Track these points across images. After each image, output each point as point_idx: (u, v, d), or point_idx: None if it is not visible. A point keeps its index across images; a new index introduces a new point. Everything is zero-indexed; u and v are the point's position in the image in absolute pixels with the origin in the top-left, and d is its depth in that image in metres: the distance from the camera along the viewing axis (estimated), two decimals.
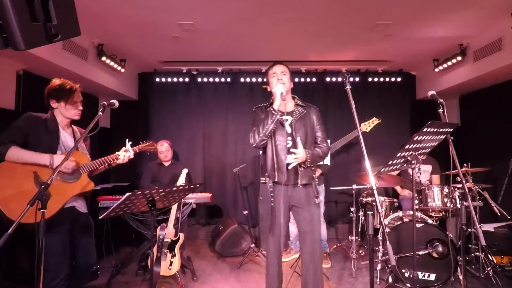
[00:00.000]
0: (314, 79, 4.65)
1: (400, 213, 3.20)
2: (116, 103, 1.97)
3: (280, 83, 2.08)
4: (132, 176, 4.48)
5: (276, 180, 2.05)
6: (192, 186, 1.92)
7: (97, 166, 1.98)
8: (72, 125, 2.07)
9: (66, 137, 1.96)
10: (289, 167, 1.98)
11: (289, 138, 2.08)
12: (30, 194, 1.41)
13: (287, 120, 2.09)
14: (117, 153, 2.09)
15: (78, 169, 1.90)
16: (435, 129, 1.70)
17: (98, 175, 2.17)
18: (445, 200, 3.01)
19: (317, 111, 2.23)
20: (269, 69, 2.21)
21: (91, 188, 1.97)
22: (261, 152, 2.29)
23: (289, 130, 2.09)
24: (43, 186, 1.41)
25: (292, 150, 1.97)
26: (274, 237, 2.09)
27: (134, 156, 2.16)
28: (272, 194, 2.05)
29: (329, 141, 3.05)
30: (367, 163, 1.47)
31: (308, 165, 2.04)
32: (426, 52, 3.96)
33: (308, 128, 2.12)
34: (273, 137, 2.07)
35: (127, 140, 2.19)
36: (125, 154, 2.10)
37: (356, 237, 3.59)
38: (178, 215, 2.96)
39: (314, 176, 2.13)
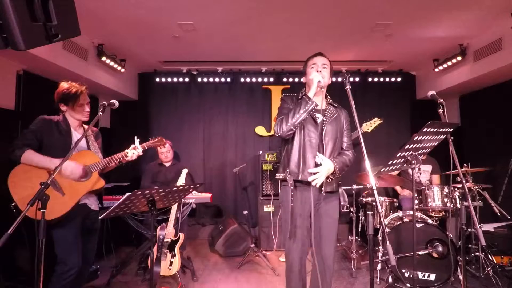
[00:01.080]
0: None
1: (400, 213, 3.20)
2: (116, 103, 2.01)
3: (318, 73, 1.90)
4: (132, 176, 4.48)
5: (299, 178, 1.85)
6: (192, 186, 1.92)
7: (107, 165, 2.04)
8: (84, 125, 2.13)
9: (78, 137, 2.00)
10: (315, 183, 1.78)
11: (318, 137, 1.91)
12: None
13: (318, 118, 1.93)
14: (126, 150, 2.14)
15: (89, 168, 1.96)
16: (435, 129, 1.70)
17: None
18: (445, 200, 3.01)
19: (347, 115, 2.05)
20: (309, 59, 2.02)
21: (102, 186, 2.03)
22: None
23: (319, 129, 1.92)
24: (42, 186, 1.41)
25: (310, 170, 1.80)
26: (296, 241, 1.87)
27: (143, 153, 2.20)
28: (292, 193, 1.84)
29: None
30: (367, 163, 1.46)
31: (337, 176, 1.89)
32: (426, 52, 3.96)
33: (338, 132, 1.95)
34: (303, 130, 1.88)
35: (135, 137, 2.22)
36: (134, 151, 2.15)
37: (356, 237, 3.59)
38: (178, 215, 2.96)
39: (340, 182, 1.96)
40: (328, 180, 1.87)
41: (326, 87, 1.96)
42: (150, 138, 2.39)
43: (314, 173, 1.79)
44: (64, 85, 2.00)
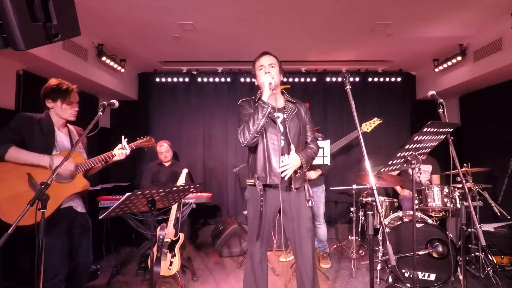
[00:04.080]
0: (314, 79, 4.64)
1: (400, 213, 3.20)
2: (116, 103, 1.98)
3: (267, 75, 1.90)
4: (132, 176, 4.48)
5: (267, 182, 1.89)
6: (192, 186, 1.92)
7: (93, 165, 1.96)
8: (68, 125, 2.05)
9: (61, 137, 1.95)
10: (285, 177, 1.82)
11: (282, 137, 1.92)
12: (23, 196, 1.39)
13: (278, 117, 1.94)
14: (113, 150, 2.08)
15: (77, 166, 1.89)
16: (435, 129, 1.70)
17: (98, 174, 2.16)
18: (445, 200, 3.01)
19: (307, 108, 2.08)
20: (256, 61, 2.00)
21: (87, 188, 1.95)
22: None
23: (281, 128, 1.93)
24: (43, 186, 1.40)
25: (281, 166, 1.82)
26: (261, 243, 1.98)
27: (130, 153, 2.15)
28: (262, 198, 1.88)
29: (329, 141, 3.07)
30: (367, 163, 1.46)
31: (305, 170, 1.93)
32: (426, 52, 3.96)
33: (301, 126, 1.98)
34: (264, 135, 1.90)
35: (123, 137, 2.17)
36: (121, 151, 2.09)
37: (356, 237, 3.59)
38: (178, 215, 2.96)
39: (305, 177, 2.01)
40: (297, 175, 1.90)
41: (279, 86, 2.00)
42: (138, 138, 2.33)
43: (284, 165, 1.83)
44: (53, 80, 1.93)
